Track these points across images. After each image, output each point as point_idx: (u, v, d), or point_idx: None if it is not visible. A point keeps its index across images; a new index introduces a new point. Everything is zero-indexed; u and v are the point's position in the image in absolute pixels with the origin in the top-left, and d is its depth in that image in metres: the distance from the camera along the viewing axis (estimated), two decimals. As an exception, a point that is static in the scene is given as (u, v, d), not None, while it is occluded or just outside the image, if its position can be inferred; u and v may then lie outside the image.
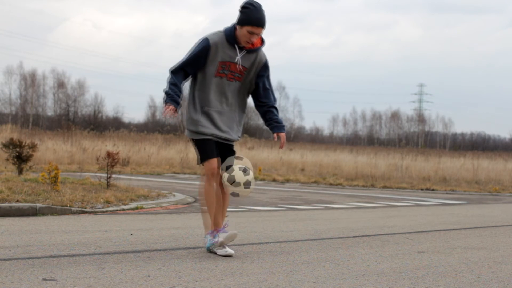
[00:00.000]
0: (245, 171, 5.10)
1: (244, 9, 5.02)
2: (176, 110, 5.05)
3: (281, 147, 5.34)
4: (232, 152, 5.31)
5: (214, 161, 5.17)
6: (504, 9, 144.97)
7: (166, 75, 5.17)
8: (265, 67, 5.28)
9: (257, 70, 5.26)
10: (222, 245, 5.13)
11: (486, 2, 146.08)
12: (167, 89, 5.09)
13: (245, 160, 5.24)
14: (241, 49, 5.15)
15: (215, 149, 5.20)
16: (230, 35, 5.10)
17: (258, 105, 5.37)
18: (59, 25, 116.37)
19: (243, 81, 5.25)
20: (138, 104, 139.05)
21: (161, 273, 4.31)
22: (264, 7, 5.08)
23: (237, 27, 5.07)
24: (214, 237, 5.18)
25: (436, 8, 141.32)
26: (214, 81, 5.16)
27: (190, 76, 5.24)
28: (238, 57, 5.13)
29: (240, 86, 5.26)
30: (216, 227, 5.22)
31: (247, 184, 5.08)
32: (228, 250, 5.13)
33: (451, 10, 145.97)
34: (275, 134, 5.31)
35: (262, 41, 5.22)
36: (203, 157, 5.19)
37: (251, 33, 5.02)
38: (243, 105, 5.37)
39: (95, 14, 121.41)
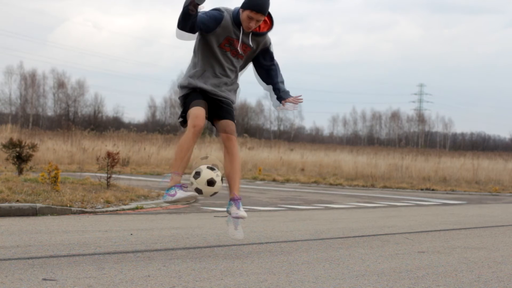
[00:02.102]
0: (212, 169, 5.09)
1: None
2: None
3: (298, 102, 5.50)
4: (229, 108, 5.29)
5: (198, 109, 5.10)
6: (504, 9, 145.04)
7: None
8: (269, 45, 5.41)
9: (262, 48, 5.38)
10: (178, 201, 5.12)
11: (486, 2, 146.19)
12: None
13: (212, 158, 5.20)
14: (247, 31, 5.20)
15: (201, 101, 5.16)
16: (235, 17, 5.16)
17: (260, 66, 5.49)
18: (59, 25, 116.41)
19: (245, 59, 5.38)
20: (138, 104, 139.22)
21: (161, 273, 4.31)
22: None
23: (240, 10, 5.12)
24: (175, 188, 5.13)
25: (436, 8, 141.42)
26: (218, 50, 5.20)
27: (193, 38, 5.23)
28: (240, 38, 5.17)
29: (241, 64, 5.38)
30: (182, 184, 5.18)
31: (210, 183, 5.04)
32: (240, 212, 5.16)
33: (451, 10, 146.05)
34: (283, 102, 5.49)
35: (271, 25, 5.27)
36: (187, 107, 5.15)
37: (250, 18, 5.06)
38: (237, 78, 5.47)
39: (95, 14, 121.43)
